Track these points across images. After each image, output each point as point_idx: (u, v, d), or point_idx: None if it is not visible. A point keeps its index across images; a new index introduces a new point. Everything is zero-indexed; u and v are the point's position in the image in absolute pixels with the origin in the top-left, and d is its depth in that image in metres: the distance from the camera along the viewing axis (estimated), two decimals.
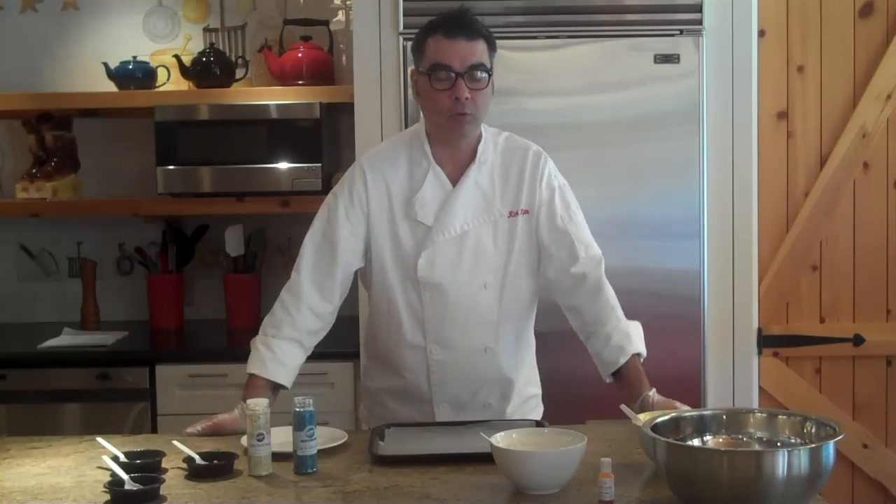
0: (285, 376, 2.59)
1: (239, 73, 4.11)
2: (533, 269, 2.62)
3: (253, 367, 2.58)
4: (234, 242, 4.07)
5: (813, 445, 1.91)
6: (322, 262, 2.59)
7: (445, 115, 2.51)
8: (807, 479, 1.87)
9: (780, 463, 1.84)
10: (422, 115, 2.64)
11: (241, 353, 3.70)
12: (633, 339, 2.57)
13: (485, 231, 2.58)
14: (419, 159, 2.60)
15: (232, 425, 2.51)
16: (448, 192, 2.58)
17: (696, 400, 3.42)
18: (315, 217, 2.64)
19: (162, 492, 2.11)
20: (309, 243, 2.61)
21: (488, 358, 2.61)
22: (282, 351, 2.59)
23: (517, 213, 2.59)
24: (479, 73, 2.49)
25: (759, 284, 3.64)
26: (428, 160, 2.58)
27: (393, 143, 2.70)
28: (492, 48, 2.55)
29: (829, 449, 1.89)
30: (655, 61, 3.41)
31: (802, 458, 1.86)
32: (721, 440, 2.11)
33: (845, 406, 3.77)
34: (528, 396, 2.72)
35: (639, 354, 2.56)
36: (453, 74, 2.47)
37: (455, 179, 2.59)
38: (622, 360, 2.52)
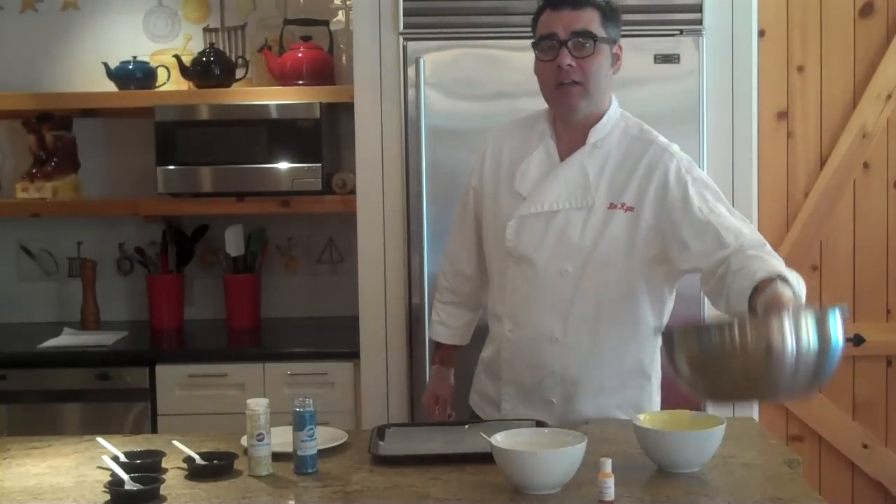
0: (446, 335, 2.82)
1: (239, 73, 4.11)
2: (625, 268, 2.48)
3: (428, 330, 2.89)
4: (234, 242, 4.08)
5: (818, 312, 1.87)
6: (463, 228, 2.73)
7: (552, 87, 2.46)
8: (817, 352, 1.84)
9: (787, 329, 1.82)
10: None
11: (241, 353, 3.75)
12: (779, 266, 2.19)
13: (576, 216, 2.49)
14: (540, 131, 2.58)
15: (445, 392, 2.82)
16: (551, 167, 2.53)
17: (697, 400, 3.41)
18: None
19: (162, 492, 2.11)
20: (455, 213, 2.77)
21: (554, 349, 2.52)
22: (445, 314, 2.82)
23: (617, 207, 2.47)
24: (584, 41, 2.41)
25: None
26: (545, 133, 2.56)
27: (527, 114, 2.68)
28: (608, 19, 2.46)
29: (835, 316, 1.86)
30: (655, 61, 3.41)
31: (809, 324, 1.84)
32: None
33: (845, 406, 3.78)
34: (608, 420, 2.54)
35: (784, 279, 2.12)
36: (557, 43, 2.42)
37: (565, 157, 2.54)
38: (760, 277, 2.13)
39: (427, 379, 3.29)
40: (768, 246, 2.35)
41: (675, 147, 2.55)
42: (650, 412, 2.36)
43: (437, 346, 2.87)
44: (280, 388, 3.57)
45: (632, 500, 2.03)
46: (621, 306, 2.51)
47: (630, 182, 2.48)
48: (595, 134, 2.51)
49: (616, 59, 2.51)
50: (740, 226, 2.40)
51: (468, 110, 3.42)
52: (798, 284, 2.15)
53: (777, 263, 2.23)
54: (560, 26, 2.42)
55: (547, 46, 2.44)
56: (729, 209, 2.46)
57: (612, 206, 2.47)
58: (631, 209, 2.46)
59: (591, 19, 2.43)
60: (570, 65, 2.41)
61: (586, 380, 2.54)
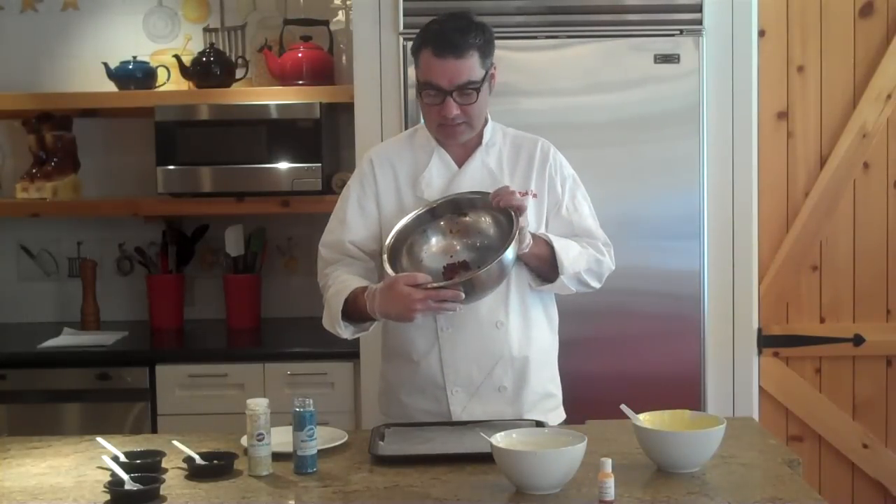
0: (357, 282, 2.56)
1: (239, 73, 4.11)
2: None
3: (339, 298, 2.53)
4: (234, 242, 4.08)
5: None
6: (366, 220, 2.64)
7: (435, 126, 2.58)
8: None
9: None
10: None
11: (241, 353, 3.75)
12: (568, 245, 2.56)
13: None
14: (423, 144, 2.66)
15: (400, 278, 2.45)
16: (454, 172, 2.63)
17: (697, 400, 3.42)
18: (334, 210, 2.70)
19: (162, 492, 2.11)
20: (342, 212, 2.66)
21: (500, 333, 2.58)
22: (345, 273, 2.61)
23: (526, 194, 2.61)
24: (468, 90, 2.51)
25: (759, 284, 3.64)
26: (431, 144, 2.64)
27: (398, 136, 2.82)
28: (485, 55, 2.53)
29: (513, 246, 2.40)
30: (655, 61, 3.41)
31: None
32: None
33: (845, 406, 3.77)
34: (547, 394, 2.68)
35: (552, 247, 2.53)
36: (441, 93, 2.51)
37: (461, 162, 2.64)
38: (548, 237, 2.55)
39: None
40: (601, 246, 2.65)
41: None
42: (649, 412, 2.36)
43: (355, 298, 2.52)
44: (280, 388, 3.57)
45: (632, 500, 2.03)
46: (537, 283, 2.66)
47: (530, 173, 2.65)
48: (487, 134, 2.65)
49: (492, 78, 2.59)
50: (595, 230, 2.68)
51: None
52: (569, 263, 2.53)
53: (573, 245, 2.58)
54: (444, 78, 2.49)
55: (433, 94, 2.52)
56: (589, 206, 2.71)
57: (521, 195, 2.58)
58: (535, 195, 2.63)
59: (472, 66, 2.50)
60: (455, 113, 2.52)
61: (533, 357, 2.63)
